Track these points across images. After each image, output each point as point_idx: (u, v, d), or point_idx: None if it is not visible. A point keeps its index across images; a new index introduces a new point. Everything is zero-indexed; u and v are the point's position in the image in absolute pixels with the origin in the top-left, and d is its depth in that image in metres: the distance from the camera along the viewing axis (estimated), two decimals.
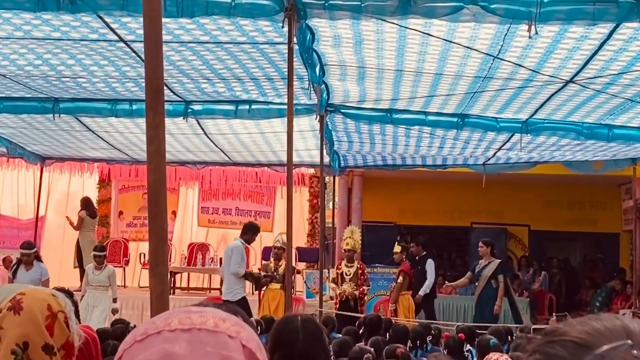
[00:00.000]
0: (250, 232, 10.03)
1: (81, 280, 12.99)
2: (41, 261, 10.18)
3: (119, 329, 7.28)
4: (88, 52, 6.85)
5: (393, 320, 8.18)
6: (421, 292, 11.27)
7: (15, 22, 6.15)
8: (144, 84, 2.46)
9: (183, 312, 1.02)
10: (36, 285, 8.15)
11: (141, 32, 6.13)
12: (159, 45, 2.08)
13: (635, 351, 0.80)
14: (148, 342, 0.97)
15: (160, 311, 2.00)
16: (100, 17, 5.88)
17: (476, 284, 11.23)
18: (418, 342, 6.53)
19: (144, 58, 2.38)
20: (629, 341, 0.81)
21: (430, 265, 11.42)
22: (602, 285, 15.03)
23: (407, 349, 5.93)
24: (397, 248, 11.57)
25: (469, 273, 11.54)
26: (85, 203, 13.50)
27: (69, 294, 4.63)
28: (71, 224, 13.20)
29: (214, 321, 0.99)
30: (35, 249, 10.24)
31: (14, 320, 1.82)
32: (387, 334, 6.73)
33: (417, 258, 11.61)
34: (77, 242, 13.00)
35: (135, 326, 7.35)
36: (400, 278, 11.19)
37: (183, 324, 0.98)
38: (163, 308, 1.98)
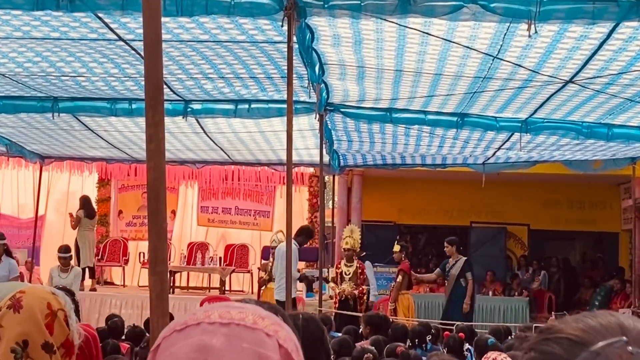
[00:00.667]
0: (304, 235, 10.23)
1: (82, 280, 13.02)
2: (11, 256, 9.48)
3: (114, 324, 7.29)
4: (87, 51, 6.84)
5: (391, 319, 8.18)
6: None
7: (14, 24, 6.16)
8: (143, 83, 2.46)
9: (224, 306, 1.03)
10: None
11: (140, 31, 6.13)
12: (158, 44, 2.09)
13: (630, 347, 0.80)
14: (186, 333, 0.99)
15: (160, 310, 2.00)
16: (99, 18, 5.88)
17: (446, 282, 11.29)
18: (417, 341, 6.53)
19: (143, 56, 2.38)
20: (624, 338, 0.81)
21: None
22: (601, 285, 15.04)
23: (407, 348, 5.93)
24: (396, 247, 11.56)
25: (437, 269, 11.64)
26: (84, 202, 13.47)
27: (70, 292, 4.63)
28: (71, 222, 13.19)
29: (253, 318, 1.00)
30: (4, 241, 9.44)
31: (14, 319, 1.82)
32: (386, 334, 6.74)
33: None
34: (76, 241, 13.00)
35: (134, 325, 7.37)
36: (400, 277, 11.17)
37: (222, 318, 0.99)
38: (163, 307, 1.98)
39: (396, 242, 11.88)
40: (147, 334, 6.22)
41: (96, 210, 14.43)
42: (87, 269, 12.96)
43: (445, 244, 11.36)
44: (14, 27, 6.25)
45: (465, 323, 8.45)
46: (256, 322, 1.00)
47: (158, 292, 2.00)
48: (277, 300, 9.78)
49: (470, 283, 10.92)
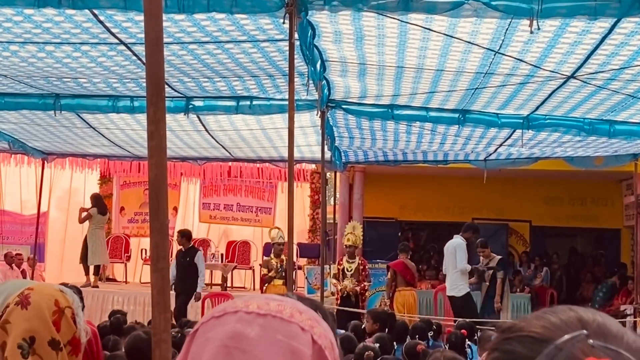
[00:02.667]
0: (470, 230, 10.46)
1: (87, 275, 13.06)
2: None
3: (116, 321, 7.30)
4: (88, 52, 6.86)
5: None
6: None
7: (15, 32, 6.19)
8: (144, 84, 2.46)
9: (264, 298, 1.03)
10: None
11: (141, 35, 6.13)
12: (159, 40, 2.08)
13: (591, 340, 0.81)
14: (224, 319, 1.00)
15: (162, 306, 2.01)
16: (101, 22, 5.90)
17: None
18: (418, 337, 6.54)
19: (144, 56, 2.38)
20: (584, 331, 0.82)
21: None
22: (603, 281, 15.04)
23: (427, 347, 5.95)
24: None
25: (474, 277, 11.59)
26: (96, 200, 13.47)
27: (77, 290, 4.63)
28: (79, 217, 13.17)
29: (290, 311, 1.01)
30: None
31: (21, 315, 1.83)
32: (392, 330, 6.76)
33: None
34: (85, 238, 12.99)
35: (136, 321, 7.39)
36: (390, 274, 11.53)
37: (260, 309, 1.00)
38: (164, 303, 1.98)
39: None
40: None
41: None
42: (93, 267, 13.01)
43: (480, 250, 11.20)
44: (15, 35, 6.28)
45: (496, 320, 8.52)
46: (293, 315, 1.00)
47: (159, 288, 2.00)
48: (452, 297, 9.88)
49: (499, 281, 10.92)
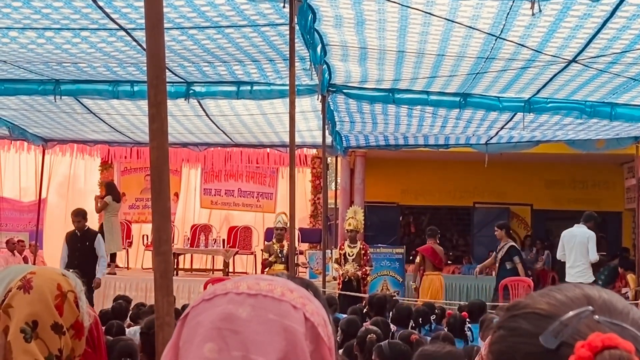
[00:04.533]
0: (592, 220, 10.44)
1: None
2: None
3: (117, 307, 7.33)
4: (88, 37, 6.84)
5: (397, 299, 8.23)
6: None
7: (14, 17, 6.18)
8: (145, 68, 2.45)
9: (254, 278, 1.03)
10: None
11: (141, 21, 6.09)
12: (160, 22, 2.08)
13: (597, 316, 0.82)
14: (214, 302, 0.99)
15: (165, 290, 2.01)
16: (100, 8, 5.88)
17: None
18: (421, 320, 6.56)
19: (144, 41, 2.37)
20: (590, 307, 0.83)
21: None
22: (605, 264, 15.05)
23: (411, 328, 5.96)
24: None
25: (493, 254, 11.70)
26: (109, 187, 13.46)
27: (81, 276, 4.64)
28: (96, 206, 13.16)
29: (281, 290, 1.00)
30: None
31: (24, 299, 1.84)
32: (391, 313, 6.77)
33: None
34: (101, 226, 13.01)
35: (139, 305, 7.40)
36: (418, 259, 11.67)
37: (250, 289, 0.99)
38: (167, 286, 1.99)
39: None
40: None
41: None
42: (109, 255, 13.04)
43: (495, 228, 11.50)
44: (14, 20, 6.27)
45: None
46: (284, 294, 0.99)
47: (162, 271, 2.01)
48: None
49: (519, 267, 11.02)
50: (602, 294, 0.86)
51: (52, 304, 1.83)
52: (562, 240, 10.53)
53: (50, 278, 1.86)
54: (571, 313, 0.82)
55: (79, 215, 10.11)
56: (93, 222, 13.67)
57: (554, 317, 0.83)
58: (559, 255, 10.89)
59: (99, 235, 10.46)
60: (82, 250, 9.97)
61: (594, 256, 10.24)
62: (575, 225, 10.54)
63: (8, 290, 1.84)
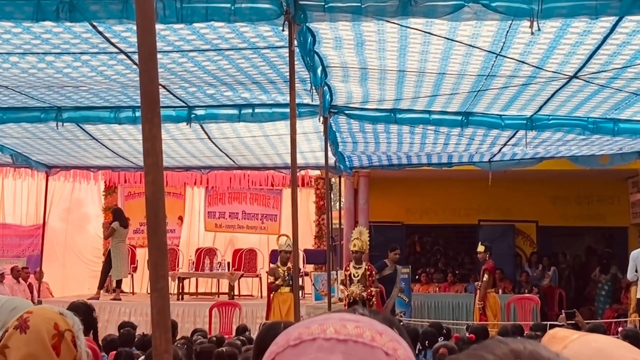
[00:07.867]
0: None
1: (99, 289, 13.10)
2: None
3: (125, 334, 7.28)
4: (89, 61, 6.86)
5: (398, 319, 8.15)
6: None
7: (15, 43, 6.19)
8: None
9: (339, 319, 0.96)
10: None
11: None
12: (153, 55, 2.05)
13: None
14: (302, 349, 0.93)
15: (162, 327, 1.97)
16: (100, 32, 5.90)
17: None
18: (428, 342, 6.50)
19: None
20: None
21: None
22: (602, 280, 15.04)
23: (418, 351, 5.91)
24: (480, 248, 12.08)
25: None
26: (116, 213, 13.51)
27: (88, 307, 4.59)
28: (104, 232, 13.26)
29: (370, 334, 0.94)
30: None
31: (20, 339, 1.81)
32: None
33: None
34: (109, 252, 13.09)
35: (144, 333, 7.35)
36: (486, 276, 11.69)
37: (339, 334, 0.93)
38: (165, 323, 1.96)
39: (480, 243, 12.30)
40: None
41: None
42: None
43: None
44: (14, 45, 6.29)
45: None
46: (374, 338, 0.94)
47: (159, 308, 1.98)
48: None
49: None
50: (526, 345, 0.87)
51: (49, 344, 1.80)
52: (632, 260, 10.57)
53: (47, 317, 1.84)
54: None
55: None
56: (100, 248, 13.69)
57: None
58: (630, 276, 10.96)
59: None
60: None
61: None
62: None
63: (5, 331, 1.82)
